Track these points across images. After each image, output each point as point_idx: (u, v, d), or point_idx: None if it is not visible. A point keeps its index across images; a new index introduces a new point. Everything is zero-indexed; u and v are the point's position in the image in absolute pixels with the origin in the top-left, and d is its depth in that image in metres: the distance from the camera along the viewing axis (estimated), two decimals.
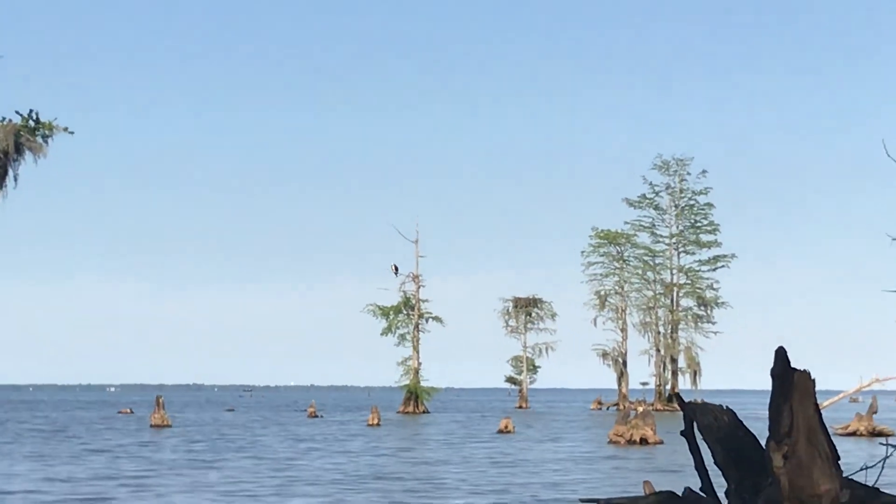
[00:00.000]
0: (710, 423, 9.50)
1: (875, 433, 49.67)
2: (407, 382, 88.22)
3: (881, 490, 9.21)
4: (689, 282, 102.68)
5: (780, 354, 8.81)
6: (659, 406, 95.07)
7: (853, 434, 50.08)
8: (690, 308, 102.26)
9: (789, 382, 8.69)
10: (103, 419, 72.21)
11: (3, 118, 35.39)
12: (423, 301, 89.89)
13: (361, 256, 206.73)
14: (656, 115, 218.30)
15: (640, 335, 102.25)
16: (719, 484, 9.70)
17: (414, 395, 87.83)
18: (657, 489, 10.35)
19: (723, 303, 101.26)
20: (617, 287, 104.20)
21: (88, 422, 67.13)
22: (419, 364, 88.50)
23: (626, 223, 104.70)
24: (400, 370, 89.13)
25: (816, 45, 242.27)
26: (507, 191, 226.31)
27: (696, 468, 9.79)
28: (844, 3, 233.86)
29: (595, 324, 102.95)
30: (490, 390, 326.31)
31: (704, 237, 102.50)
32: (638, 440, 43.33)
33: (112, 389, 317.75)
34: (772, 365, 8.81)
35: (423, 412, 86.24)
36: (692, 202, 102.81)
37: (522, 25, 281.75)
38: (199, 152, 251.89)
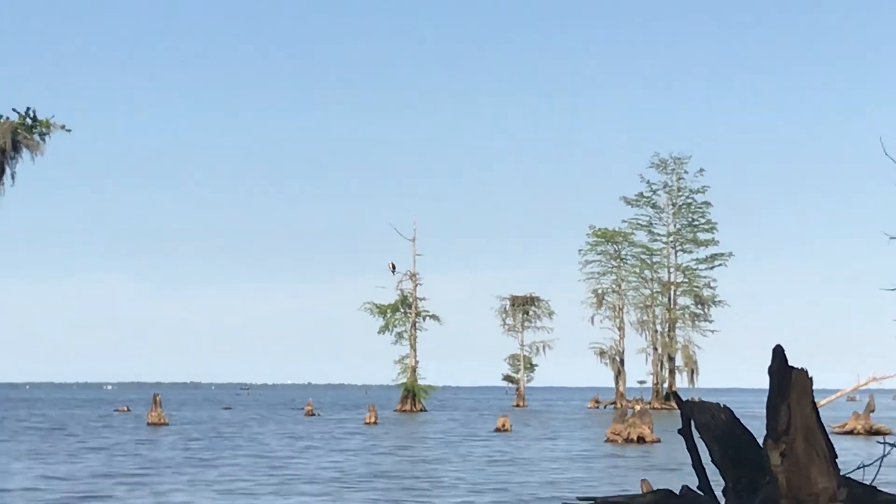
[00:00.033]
0: (707, 421, 9.51)
1: (872, 432, 49.68)
2: (404, 381, 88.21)
3: (878, 488, 9.22)
4: (686, 280, 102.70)
5: (778, 352, 8.81)
6: (656, 404, 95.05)
7: (850, 433, 50.09)
8: (688, 306, 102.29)
9: (787, 381, 8.70)
10: (100, 417, 72.18)
11: (1, 116, 35.31)
12: (421, 299, 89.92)
13: (358, 255, 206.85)
14: (654, 114, 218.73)
15: (638, 333, 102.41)
16: (717, 482, 9.71)
17: (411, 394, 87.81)
18: (655, 487, 10.36)
19: (720, 301, 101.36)
20: (614, 285, 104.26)
21: (86, 420, 67.09)
22: (416, 362, 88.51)
23: (623, 221, 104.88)
24: (397, 368, 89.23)
25: (814, 43, 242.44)
26: (505, 189, 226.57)
27: (694, 466, 9.80)
28: (842, 2, 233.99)
29: (592, 322, 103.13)
30: (487, 388, 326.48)
31: (702, 235, 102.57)
32: (635, 438, 43.33)
33: (109, 388, 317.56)
34: (769, 363, 8.82)
35: (421, 410, 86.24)
36: (689, 200, 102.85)
37: (521, 25, 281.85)
38: (195, 151, 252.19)
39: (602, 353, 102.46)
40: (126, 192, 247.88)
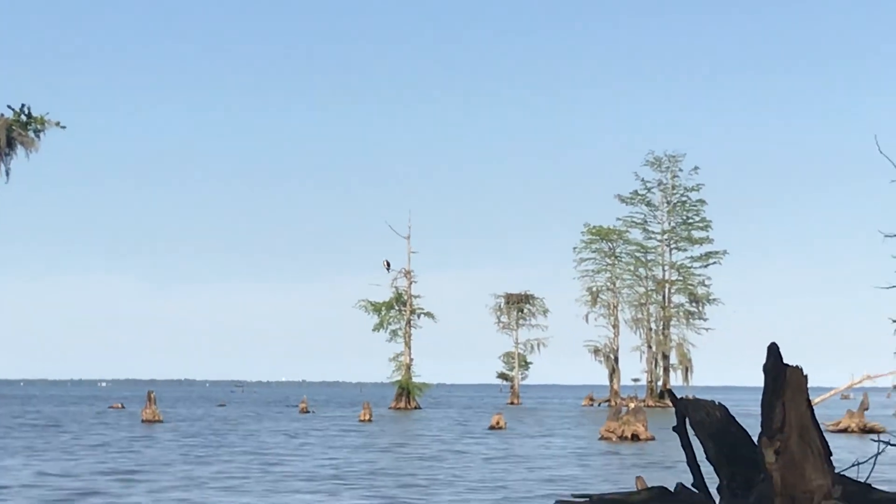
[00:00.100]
0: (702, 418, 9.54)
1: (866, 430, 49.77)
2: (399, 378, 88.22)
3: (873, 486, 9.26)
4: (680, 278, 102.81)
5: (773, 350, 8.84)
6: (650, 402, 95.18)
7: (844, 431, 50.19)
8: (682, 304, 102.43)
9: (782, 378, 8.73)
10: (95, 414, 72.14)
11: None
12: (415, 297, 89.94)
13: (353, 252, 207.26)
14: (648, 112, 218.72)
15: (632, 331, 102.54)
16: (711, 480, 9.74)
17: (406, 391, 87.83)
18: (649, 485, 10.38)
19: (714, 299, 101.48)
20: (609, 283, 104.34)
21: (80, 417, 67.06)
22: (411, 360, 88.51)
23: (618, 219, 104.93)
24: (392, 366, 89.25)
25: (809, 42, 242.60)
26: (499, 187, 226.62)
27: (688, 464, 9.83)
28: (839, 2, 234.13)
29: (587, 320, 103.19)
30: (482, 386, 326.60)
31: (696, 234, 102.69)
32: (630, 436, 43.39)
33: (103, 385, 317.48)
34: (764, 361, 8.85)
35: (415, 408, 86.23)
36: (684, 199, 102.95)
37: (516, 24, 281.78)
38: (193, 150, 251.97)
39: (596, 351, 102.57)
40: (122, 191, 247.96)
